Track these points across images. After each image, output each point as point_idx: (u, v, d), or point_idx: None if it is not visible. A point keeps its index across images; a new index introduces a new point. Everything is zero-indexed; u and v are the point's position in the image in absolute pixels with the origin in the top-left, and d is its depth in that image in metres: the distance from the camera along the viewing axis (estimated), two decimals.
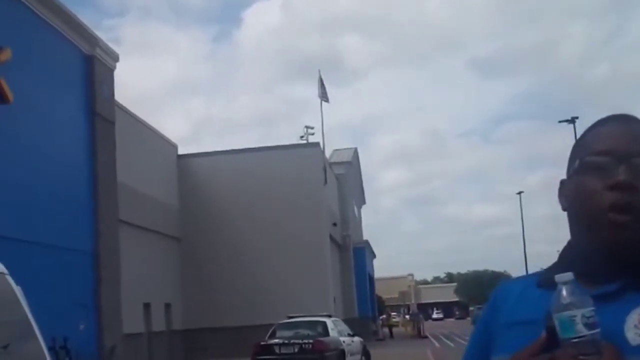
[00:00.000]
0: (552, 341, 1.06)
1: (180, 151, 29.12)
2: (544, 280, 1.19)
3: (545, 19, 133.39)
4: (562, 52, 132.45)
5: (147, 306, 23.05)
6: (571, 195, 1.16)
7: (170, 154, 27.95)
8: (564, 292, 1.00)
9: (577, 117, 38.26)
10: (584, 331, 0.98)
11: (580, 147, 1.18)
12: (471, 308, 68.66)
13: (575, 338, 0.98)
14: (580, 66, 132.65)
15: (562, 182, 1.22)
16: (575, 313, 0.98)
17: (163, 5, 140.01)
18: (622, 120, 1.17)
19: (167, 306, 25.26)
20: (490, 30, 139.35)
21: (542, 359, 1.01)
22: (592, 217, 1.11)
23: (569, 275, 1.01)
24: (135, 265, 20.75)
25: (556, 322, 1.00)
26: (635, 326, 1.06)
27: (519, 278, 1.34)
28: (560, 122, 39.01)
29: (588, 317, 0.99)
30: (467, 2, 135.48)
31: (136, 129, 23.21)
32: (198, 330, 26.23)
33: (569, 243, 1.21)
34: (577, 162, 1.16)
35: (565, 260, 1.20)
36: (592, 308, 0.99)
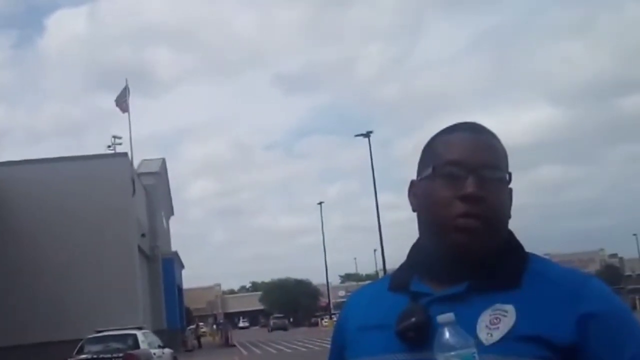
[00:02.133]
0: (402, 344, 1.12)
1: None
2: (394, 284, 1.23)
3: (346, 38, 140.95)
4: (359, 70, 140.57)
5: None
6: (423, 198, 1.18)
7: None
8: (447, 334, 1.03)
9: (371, 132, 40.69)
10: None
11: (432, 153, 1.20)
12: (271, 316, 70.97)
13: None
14: (375, 84, 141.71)
15: (413, 183, 1.24)
16: (456, 353, 1.01)
17: None
18: (471, 129, 1.19)
19: None
20: (294, 47, 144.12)
21: None
22: (442, 223, 1.13)
23: (450, 317, 1.04)
24: None
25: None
26: (487, 327, 1.08)
27: (372, 282, 1.36)
28: (356, 136, 41.38)
29: (468, 358, 1.01)
30: (274, 19, 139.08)
31: None
32: None
33: (417, 243, 1.24)
34: (429, 169, 1.18)
35: (413, 260, 1.23)
36: (474, 350, 1.02)
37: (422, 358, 1.09)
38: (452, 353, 1.00)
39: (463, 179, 1.13)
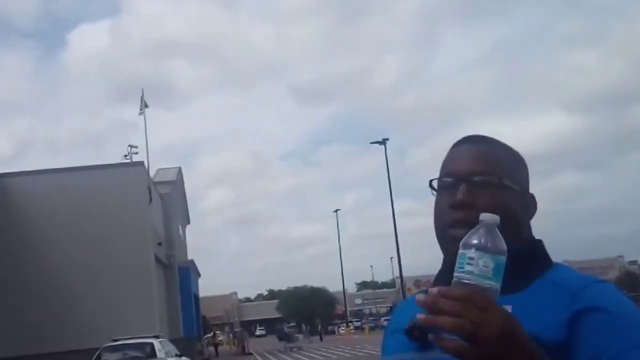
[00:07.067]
0: (411, 343, 1.14)
1: None
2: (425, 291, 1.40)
3: (362, 49, 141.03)
4: (375, 80, 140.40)
5: None
6: (434, 213, 1.25)
7: None
8: (480, 232, 0.96)
9: (387, 139, 40.56)
10: (470, 276, 0.94)
11: (441, 169, 1.26)
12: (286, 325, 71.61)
13: (460, 278, 0.95)
14: (391, 94, 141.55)
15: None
16: (474, 254, 0.94)
17: None
18: (470, 141, 1.24)
19: None
20: (310, 57, 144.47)
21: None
22: (440, 233, 1.21)
23: (495, 219, 0.97)
24: None
25: (460, 255, 0.96)
26: None
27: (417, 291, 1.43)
28: (372, 143, 41.28)
29: (484, 266, 0.93)
30: (289, 30, 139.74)
31: None
32: (12, 359, 24.41)
33: None
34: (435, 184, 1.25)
35: (441, 270, 1.26)
36: (501, 258, 0.94)
37: (429, 357, 1.12)
38: (487, 254, 0.93)
39: (455, 188, 1.18)
